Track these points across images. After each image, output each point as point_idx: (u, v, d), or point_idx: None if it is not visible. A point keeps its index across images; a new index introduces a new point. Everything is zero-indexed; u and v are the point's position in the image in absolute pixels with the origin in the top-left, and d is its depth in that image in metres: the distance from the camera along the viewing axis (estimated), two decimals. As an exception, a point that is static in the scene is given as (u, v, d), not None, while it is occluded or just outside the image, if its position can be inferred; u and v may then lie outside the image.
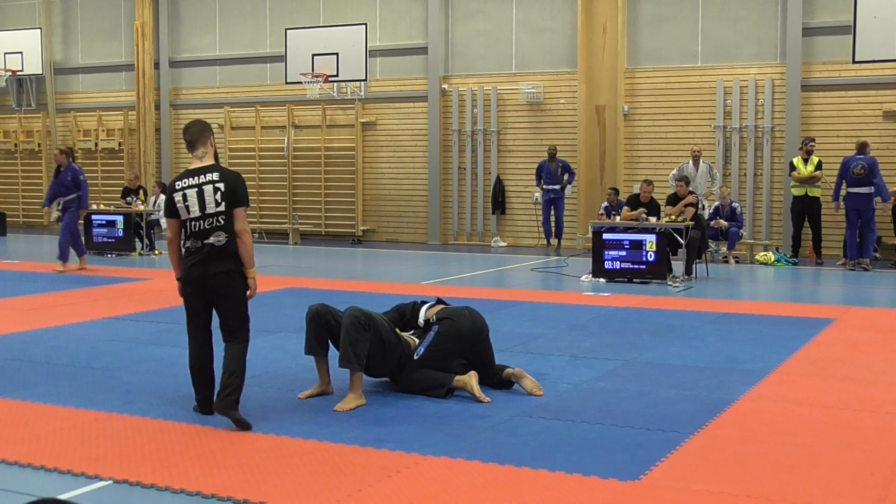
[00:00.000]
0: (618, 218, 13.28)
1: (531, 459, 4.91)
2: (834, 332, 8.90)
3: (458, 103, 19.19)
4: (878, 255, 14.94)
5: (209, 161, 5.83)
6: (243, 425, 5.52)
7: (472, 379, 6.26)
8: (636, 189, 14.79)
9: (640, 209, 13.30)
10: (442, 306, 6.78)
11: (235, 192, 5.73)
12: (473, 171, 19.24)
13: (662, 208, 13.71)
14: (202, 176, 5.73)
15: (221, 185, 5.69)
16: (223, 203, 5.67)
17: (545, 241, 17.88)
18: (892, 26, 15.05)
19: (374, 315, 6.22)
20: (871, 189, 14.37)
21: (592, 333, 8.83)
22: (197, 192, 5.68)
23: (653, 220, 13.12)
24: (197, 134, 5.85)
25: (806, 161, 15.31)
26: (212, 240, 5.68)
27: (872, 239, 14.60)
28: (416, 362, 6.38)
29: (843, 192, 14.74)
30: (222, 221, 5.69)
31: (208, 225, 5.67)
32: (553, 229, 17.66)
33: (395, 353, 6.30)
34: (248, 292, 5.84)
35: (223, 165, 6.05)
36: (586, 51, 17.83)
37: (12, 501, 4.39)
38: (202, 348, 5.87)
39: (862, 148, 14.65)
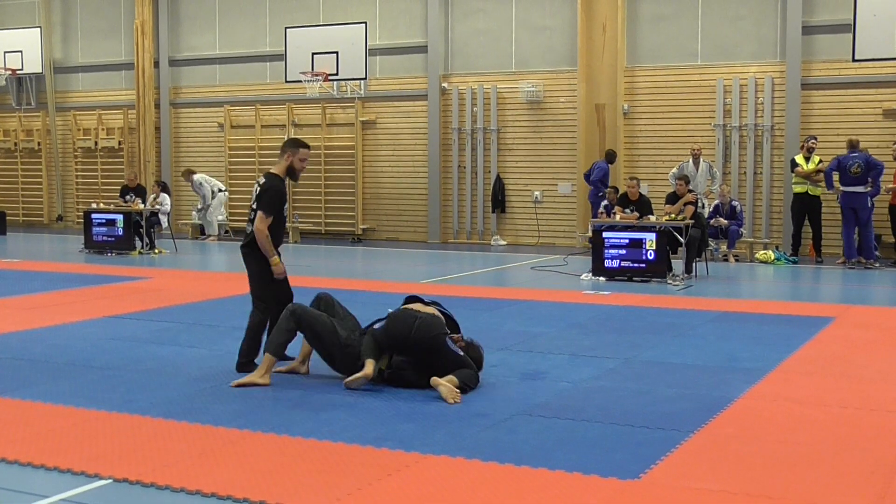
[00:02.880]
0: (617, 217, 13.27)
1: (531, 458, 4.91)
2: (834, 331, 8.90)
3: (457, 102, 19.19)
4: (877, 253, 14.92)
5: (275, 170, 7.17)
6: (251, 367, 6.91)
7: (368, 367, 6.33)
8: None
9: (631, 209, 13.26)
10: (406, 306, 6.76)
11: (261, 197, 7.07)
12: (473, 169, 19.24)
13: (662, 207, 13.69)
14: (262, 178, 7.24)
15: (258, 189, 7.13)
16: (255, 203, 7.10)
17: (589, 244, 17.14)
18: (891, 24, 15.05)
19: (310, 310, 6.63)
20: (868, 188, 14.36)
21: (592, 332, 8.83)
22: (255, 190, 7.20)
23: (652, 218, 13.12)
24: (282, 147, 7.24)
25: (807, 160, 15.31)
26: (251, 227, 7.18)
27: (871, 238, 14.57)
28: (373, 330, 6.55)
29: (838, 187, 14.69)
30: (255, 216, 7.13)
31: (253, 217, 7.11)
32: None
33: (333, 342, 6.52)
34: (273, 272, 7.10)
35: (272, 173, 7.24)
36: (586, 49, 17.83)
37: (12, 501, 4.40)
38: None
39: (855, 146, 14.63)
